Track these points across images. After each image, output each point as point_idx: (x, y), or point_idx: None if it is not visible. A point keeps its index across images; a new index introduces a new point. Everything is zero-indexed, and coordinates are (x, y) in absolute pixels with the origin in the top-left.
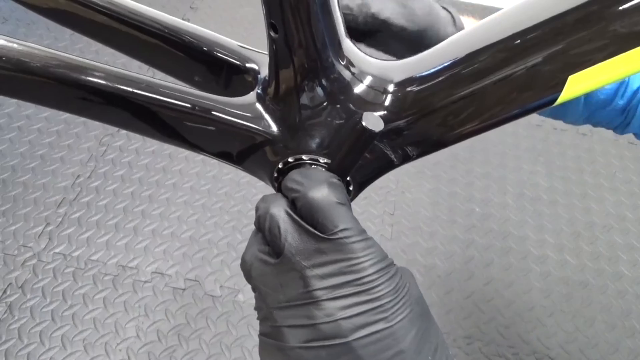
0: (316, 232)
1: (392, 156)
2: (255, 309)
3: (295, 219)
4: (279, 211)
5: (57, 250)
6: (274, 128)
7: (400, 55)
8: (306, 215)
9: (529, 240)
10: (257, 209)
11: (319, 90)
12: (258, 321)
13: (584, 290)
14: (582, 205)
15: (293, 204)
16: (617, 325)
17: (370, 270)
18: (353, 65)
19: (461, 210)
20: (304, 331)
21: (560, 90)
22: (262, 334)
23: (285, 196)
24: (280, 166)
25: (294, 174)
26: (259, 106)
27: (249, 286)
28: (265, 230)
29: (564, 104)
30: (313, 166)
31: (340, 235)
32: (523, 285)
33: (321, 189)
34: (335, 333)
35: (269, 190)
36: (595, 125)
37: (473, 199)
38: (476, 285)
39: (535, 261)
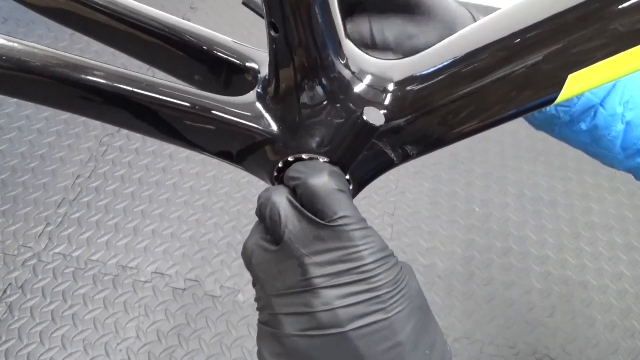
0: (316, 219)
1: (392, 155)
2: (256, 300)
3: (296, 205)
4: (280, 198)
5: (57, 250)
6: (274, 127)
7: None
8: (306, 202)
9: (529, 240)
10: (259, 197)
11: (319, 89)
12: (258, 320)
13: (584, 290)
14: (582, 205)
15: (294, 192)
16: (617, 325)
17: (369, 259)
18: (353, 64)
19: (461, 210)
20: (301, 319)
21: (560, 89)
22: (260, 322)
23: (287, 186)
24: (280, 165)
25: (296, 165)
26: (259, 105)
27: (249, 286)
28: (266, 218)
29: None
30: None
31: (339, 222)
32: (523, 285)
33: (321, 176)
34: (332, 322)
35: None
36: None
37: (473, 199)
38: (476, 286)
39: (535, 261)
